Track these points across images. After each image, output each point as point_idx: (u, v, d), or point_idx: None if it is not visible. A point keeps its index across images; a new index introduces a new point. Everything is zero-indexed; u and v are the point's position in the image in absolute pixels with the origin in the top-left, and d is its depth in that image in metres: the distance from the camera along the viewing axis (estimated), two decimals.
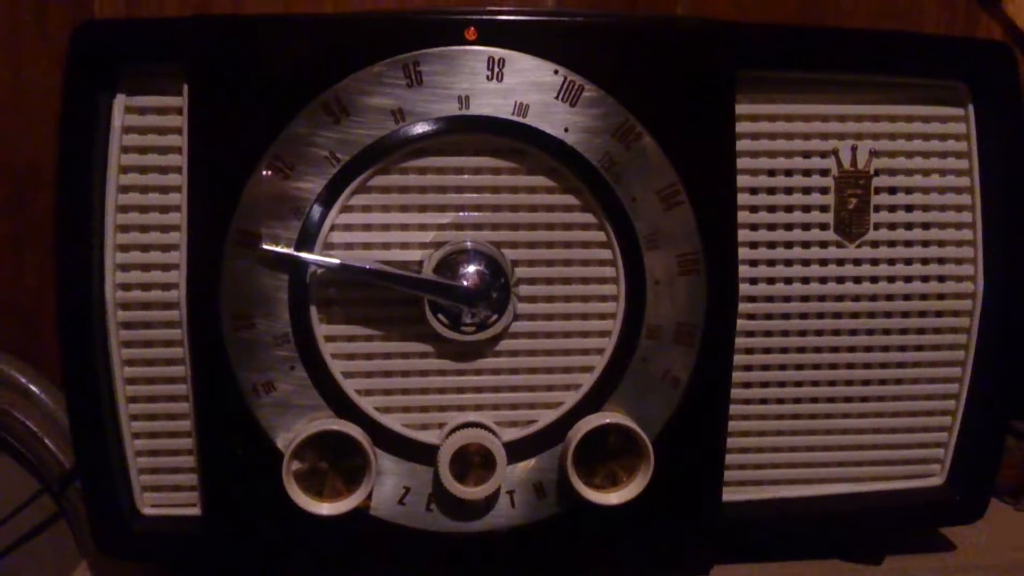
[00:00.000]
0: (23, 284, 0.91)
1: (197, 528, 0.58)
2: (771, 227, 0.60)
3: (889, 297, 0.61)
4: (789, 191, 0.60)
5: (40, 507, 0.88)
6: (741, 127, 0.59)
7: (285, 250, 0.55)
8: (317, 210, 0.55)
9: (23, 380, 0.89)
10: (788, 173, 0.60)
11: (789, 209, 0.60)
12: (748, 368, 0.61)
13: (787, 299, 0.60)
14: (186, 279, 0.55)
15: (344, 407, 0.57)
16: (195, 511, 0.59)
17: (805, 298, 0.60)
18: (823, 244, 0.60)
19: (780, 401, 0.62)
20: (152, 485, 0.59)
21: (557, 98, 0.56)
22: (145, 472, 0.59)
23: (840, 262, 0.61)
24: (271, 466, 0.55)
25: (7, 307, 0.92)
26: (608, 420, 0.57)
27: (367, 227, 0.56)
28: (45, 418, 0.88)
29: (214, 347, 0.55)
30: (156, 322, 0.57)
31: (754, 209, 0.60)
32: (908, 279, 0.61)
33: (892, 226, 0.61)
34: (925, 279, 0.62)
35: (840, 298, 0.61)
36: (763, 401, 0.61)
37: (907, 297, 0.62)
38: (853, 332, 0.61)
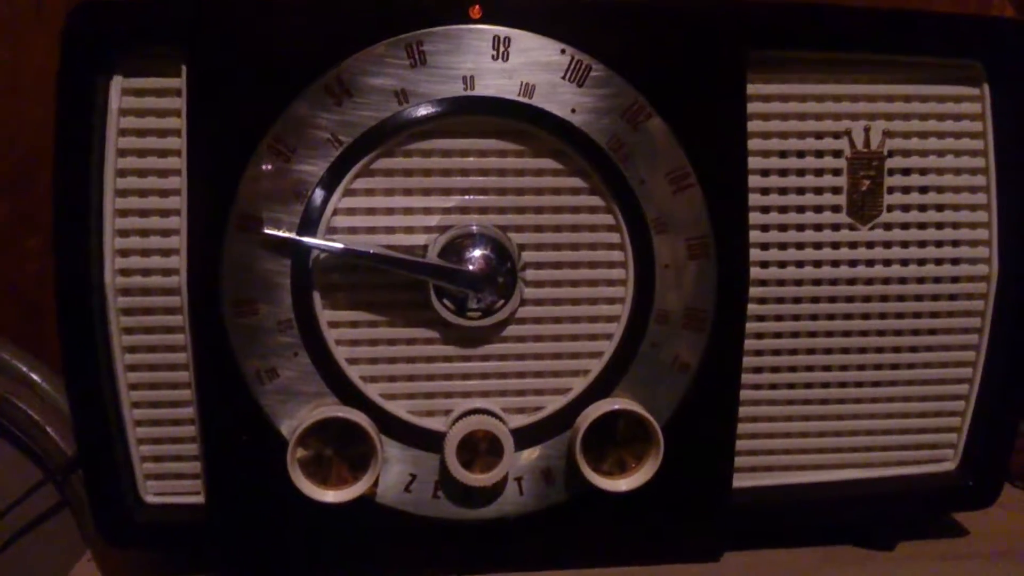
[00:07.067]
0: (24, 269, 0.91)
1: (201, 516, 0.57)
2: (782, 210, 0.59)
3: (902, 280, 0.60)
4: (801, 173, 0.59)
5: (43, 496, 0.87)
6: (752, 107, 0.58)
7: (287, 234, 0.54)
8: (319, 193, 0.54)
9: (24, 368, 0.88)
10: (800, 154, 0.59)
11: (801, 191, 0.59)
12: (759, 353, 0.60)
13: (798, 283, 0.59)
14: (187, 264, 0.55)
15: (349, 394, 0.56)
16: (199, 499, 0.58)
17: (817, 282, 0.60)
18: (835, 227, 0.59)
19: (791, 386, 0.61)
20: (155, 473, 0.58)
21: (564, 78, 0.55)
22: (148, 460, 0.58)
23: (853, 245, 0.60)
24: (275, 453, 0.55)
25: (8, 293, 0.91)
26: (617, 406, 0.56)
27: (371, 211, 0.56)
28: (47, 406, 0.87)
29: (216, 333, 0.55)
30: (157, 308, 0.56)
31: (765, 191, 0.59)
32: (922, 262, 0.60)
33: (906, 208, 0.60)
34: (939, 262, 0.61)
35: (852, 281, 0.60)
36: (774, 386, 0.61)
37: (920, 280, 0.61)
38: (865, 316, 0.60)
